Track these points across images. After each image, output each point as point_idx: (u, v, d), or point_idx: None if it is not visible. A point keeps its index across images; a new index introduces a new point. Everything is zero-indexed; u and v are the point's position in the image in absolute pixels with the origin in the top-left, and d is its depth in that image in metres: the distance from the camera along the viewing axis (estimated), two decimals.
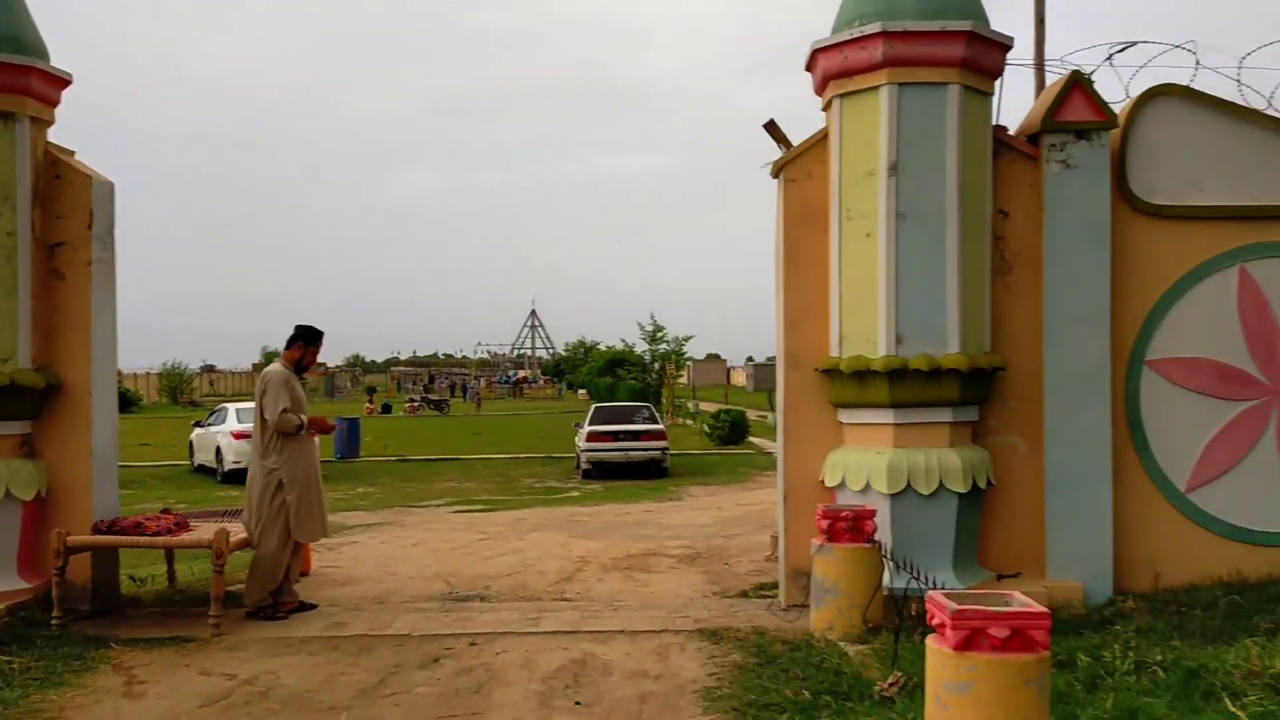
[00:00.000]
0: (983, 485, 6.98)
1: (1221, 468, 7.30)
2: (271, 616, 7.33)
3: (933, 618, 4.02)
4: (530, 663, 6.15)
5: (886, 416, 6.95)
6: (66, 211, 7.62)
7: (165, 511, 8.18)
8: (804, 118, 7.67)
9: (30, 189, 7.41)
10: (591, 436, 19.76)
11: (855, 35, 6.89)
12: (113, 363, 7.83)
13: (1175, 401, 7.31)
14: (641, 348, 43.28)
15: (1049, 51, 12.81)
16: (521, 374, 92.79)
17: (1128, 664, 5.29)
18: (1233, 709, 4.59)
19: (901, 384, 6.83)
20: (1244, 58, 7.89)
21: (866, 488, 6.92)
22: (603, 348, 67.14)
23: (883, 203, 6.90)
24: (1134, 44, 8.22)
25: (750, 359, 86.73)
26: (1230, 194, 7.35)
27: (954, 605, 3.87)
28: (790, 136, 7.64)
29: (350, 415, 27.80)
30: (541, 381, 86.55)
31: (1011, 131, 7.49)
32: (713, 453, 25.10)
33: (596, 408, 22.30)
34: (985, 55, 7.00)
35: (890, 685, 5.13)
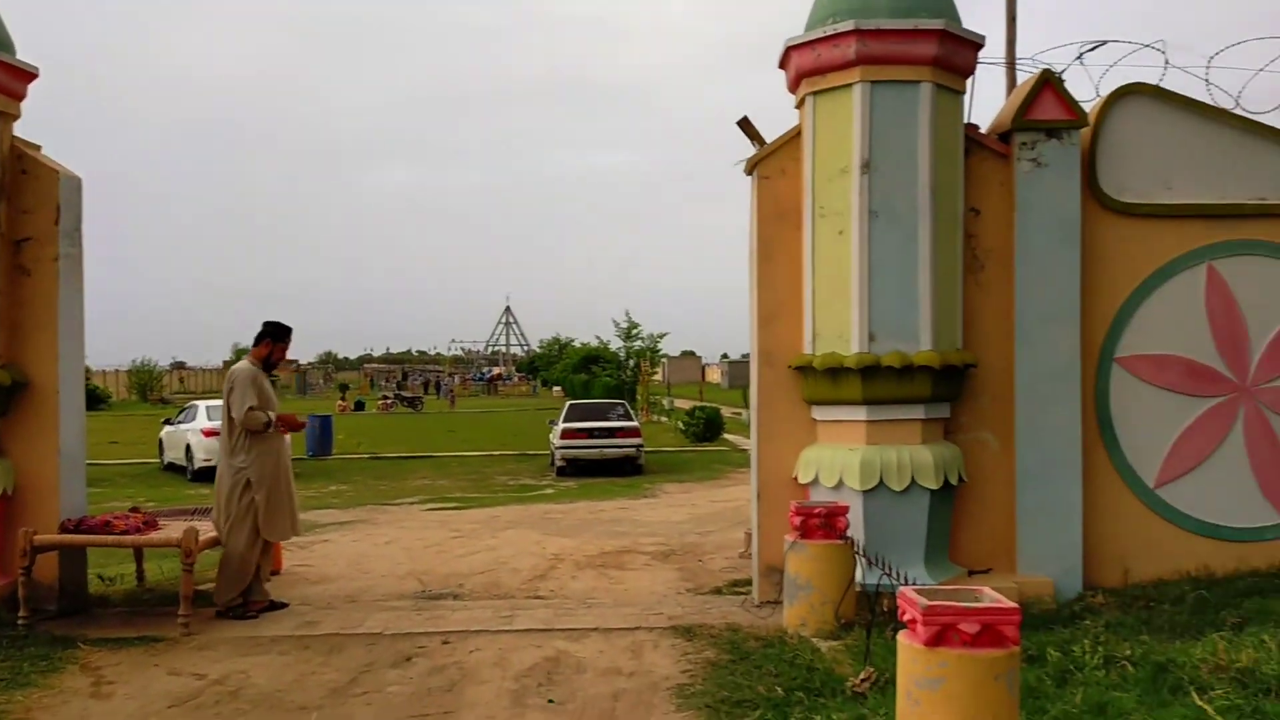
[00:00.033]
0: (954, 482, 7.02)
1: (1189, 464, 7.37)
2: (242, 615, 7.27)
3: (904, 614, 4.04)
4: (503, 661, 6.13)
5: (859, 413, 6.98)
6: (33, 206, 7.52)
7: (134, 510, 8.10)
8: (779, 115, 7.68)
9: None
10: (566, 433, 19.72)
11: (828, 33, 6.90)
12: (80, 360, 7.74)
13: (1144, 398, 7.38)
14: (616, 344, 43.39)
15: (1020, 50, 12.91)
16: (496, 371, 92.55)
17: (1097, 658, 5.33)
18: (1200, 703, 4.63)
19: (874, 381, 6.86)
20: (1212, 57, 7.99)
21: (839, 484, 6.94)
22: (578, 344, 67.02)
23: (855, 200, 6.92)
24: (1104, 43, 8.29)
25: (725, 356, 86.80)
26: (1199, 192, 7.42)
27: (925, 601, 3.89)
28: (765, 134, 7.66)
29: (323, 412, 27.66)
30: (516, 378, 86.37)
31: (983, 130, 7.53)
32: (687, 449, 25.13)
33: (571, 404, 22.28)
34: (957, 54, 7.03)
35: (862, 681, 5.15)
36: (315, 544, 10.71)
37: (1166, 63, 7.86)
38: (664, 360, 56.14)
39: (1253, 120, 7.50)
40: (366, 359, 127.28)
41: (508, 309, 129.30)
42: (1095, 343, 7.34)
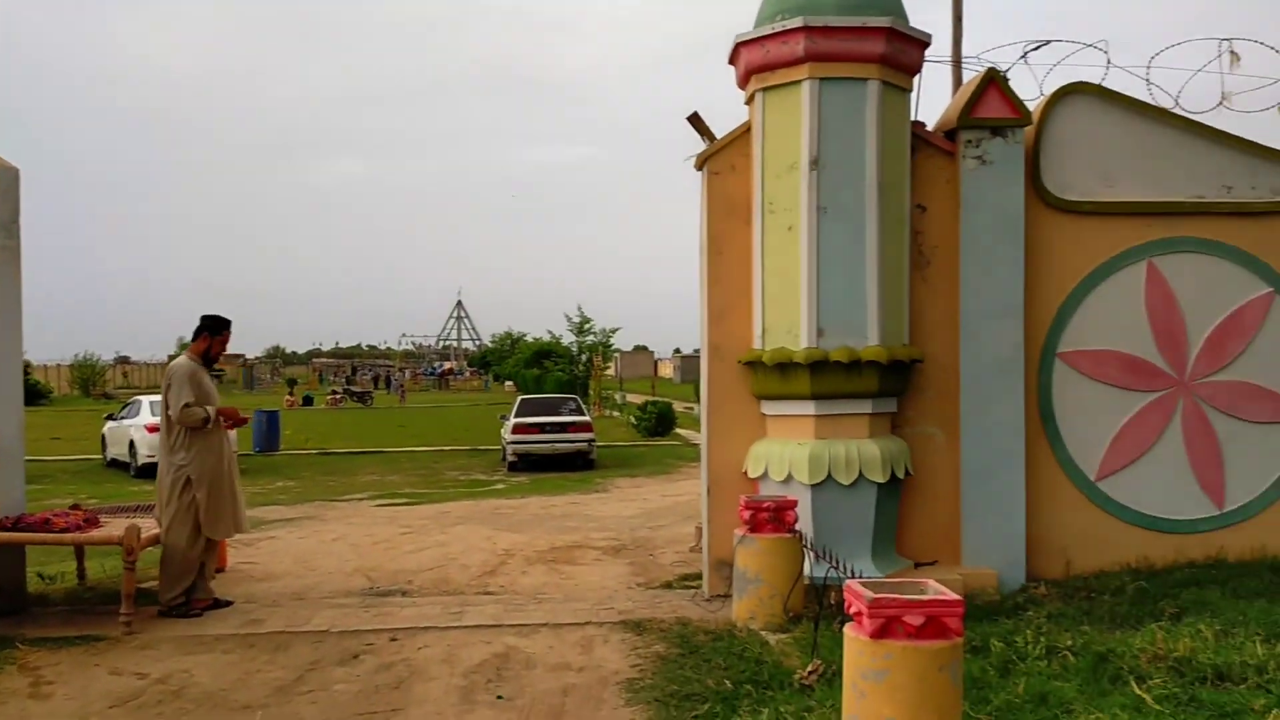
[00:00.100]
0: (901, 475, 7.10)
1: (1129, 457, 7.52)
2: (185, 614, 7.16)
3: (850, 606, 4.08)
4: (452, 657, 6.10)
5: (808, 408, 7.03)
6: None
7: (74, 507, 7.95)
8: (730, 110, 7.71)
9: None
10: (517, 429, 19.64)
11: (777, 29, 6.94)
12: (18, 353, 7.55)
13: (1086, 393, 7.52)
14: (569, 339, 43.33)
15: (966, 49, 13.06)
16: (447, 366, 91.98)
17: (1039, 649, 5.43)
18: (1138, 692, 4.73)
19: (822, 376, 6.91)
20: (1153, 58, 8.15)
21: (788, 478, 6.99)
22: (530, 339, 66.77)
23: (804, 196, 6.97)
24: (1048, 43, 8.43)
25: (678, 351, 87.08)
26: (1139, 191, 7.57)
27: (870, 594, 3.93)
28: (715, 129, 7.67)
29: (270, 408, 27.29)
30: (468, 373, 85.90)
31: (930, 127, 7.62)
32: (639, 444, 25.15)
33: (523, 399, 22.20)
34: (904, 52, 7.10)
35: (810, 673, 5.20)
36: (261, 541, 10.57)
37: (1109, 62, 8.03)
38: (616, 355, 56.18)
39: (1192, 120, 7.67)
40: (315, 353, 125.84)
41: (459, 303, 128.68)
42: (1038, 338, 7.46)
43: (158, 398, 18.85)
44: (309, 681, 5.70)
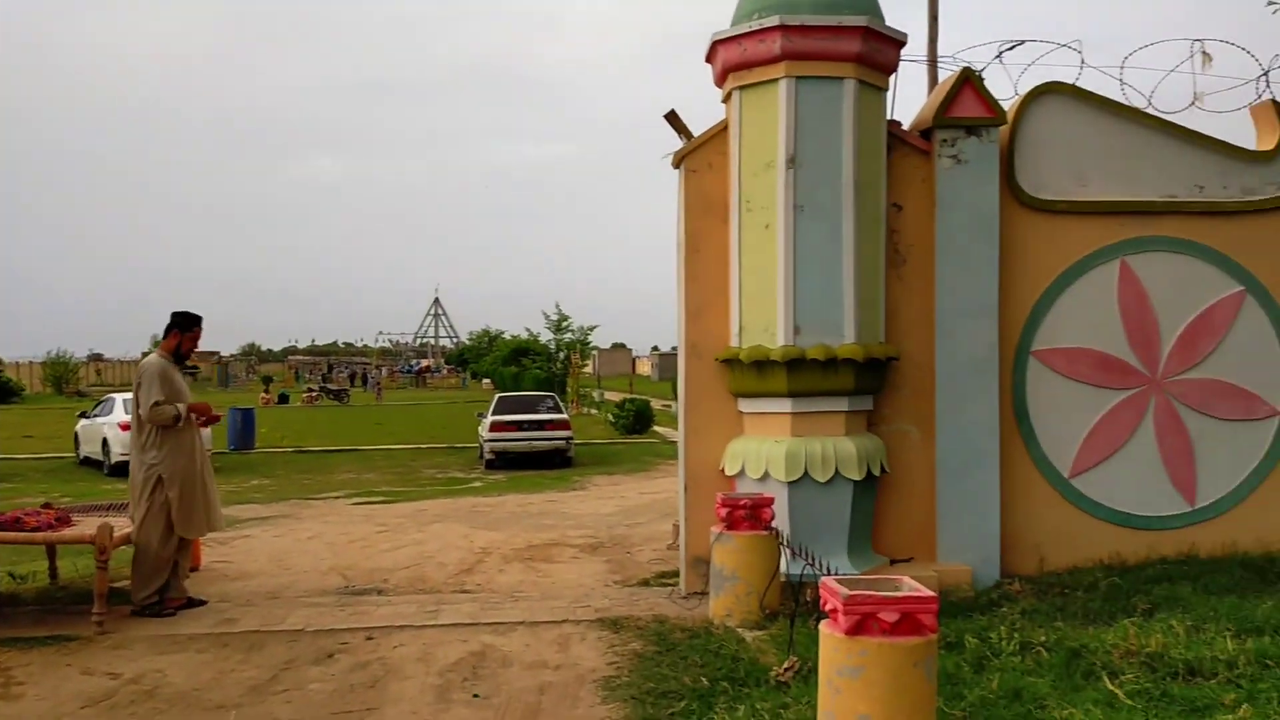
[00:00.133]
0: (877, 472, 7.13)
1: (1102, 454, 7.58)
2: (158, 613, 7.11)
3: (826, 603, 4.09)
4: (428, 656, 6.08)
5: (785, 405, 7.05)
6: None
7: (46, 506, 7.86)
8: (708, 109, 7.72)
9: None
10: (495, 426, 19.60)
11: (754, 28, 6.95)
12: None
13: (1059, 390, 7.57)
14: (546, 337, 43.21)
15: (942, 48, 13.12)
16: (425, 363, 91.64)
17: (1013, 645, 5.47)
18: (1111, 687, 4.77)
19: (799, 374, 6.93)
20: (1126, 58, 8.18)
21: (765, 476, 7.01)
22: (507, 337, 66.67)
23: (781, 195, 6.98)
24: (1022, 42, 8.46)
25: (655, 348, 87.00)
26: (1112, 190, 7.63)
27: (846, 591, 3.95)
28: (692, 127, 7.68)
29: (245, 405, 27.12)
30: (445, 371, 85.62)
31: (905, 126, 7.65)
32: (617, 442, 25.15)
33: (500, 397, 22.14)
34: (880, 51, 7.13)
35: (786, 670, 5.21)
36: (236, 540, 10.50)
37: (1083, 62, 8.05)
38: (594, 353, 56.20)
39: (1164, 120, 7.72)
40: (291, 351, 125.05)
41: (436, 300, 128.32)
42: (1013, 336, 7.51)
43: (131, 395, 18.83)
44: (283, 681, 5.67)
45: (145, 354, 7.62)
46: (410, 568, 8.92)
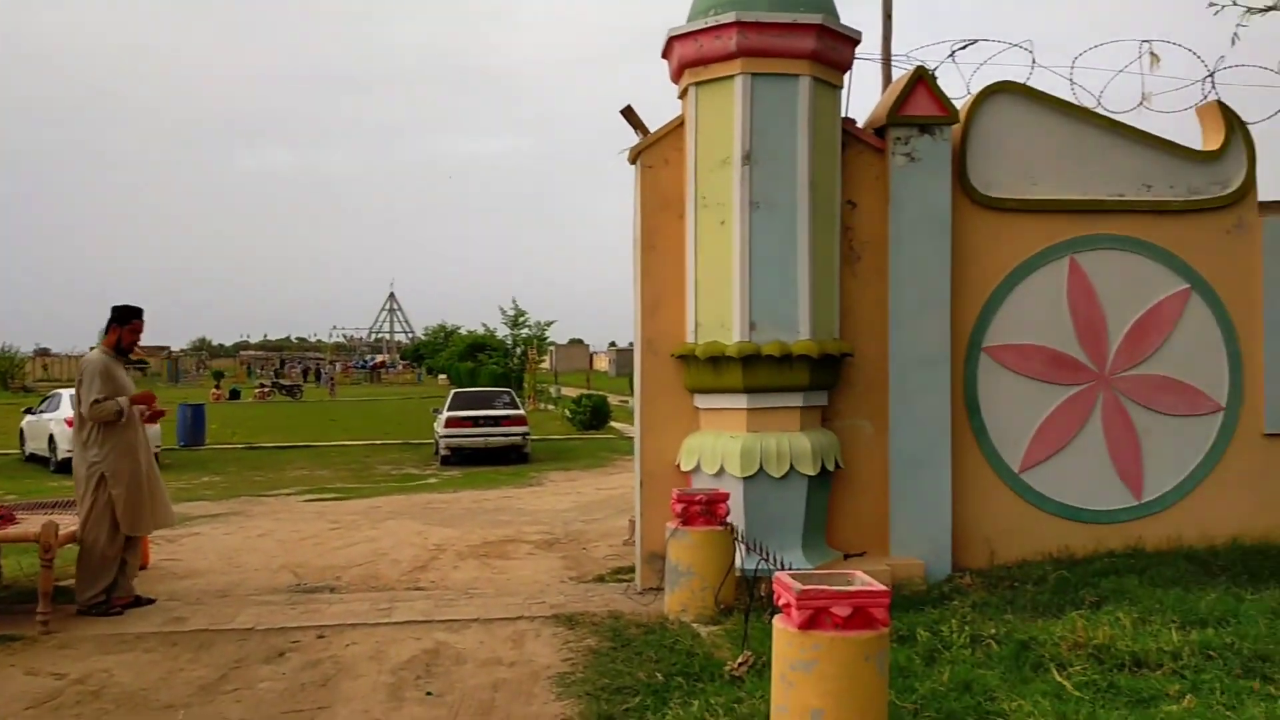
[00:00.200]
0: (831, 468, 7.18)
1: (1052, 449, 7.69)
2: (105, 612, 6.98)
3: (779, 598, 4.12)
4: (380, 654, 6.03)
5: (740, 401, 7.07)
6: None
7: None
8: (665, 104, 7.71)
9: None
10: (450, 422, 19.49)
11: (710, 24, 6.95)
12: None
13: (1010, 386, 7.66)
14: (503, 332, 43.11)
15: (896, 47, 13.21)
16: (379, 358, 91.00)
17: (964, 637, 5.53)
18: (1059, 679, 4.85)
19: (754, 369, 6.95)
20: (1076, 58, 8.29)
21: (721, 471, 7.03)
22: (464, 332, 66.33)
23: (737, 191, 7.00)
24: (975, 41, 8.52)
25: (613, 344, 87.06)
26: (1062, 188, 7.73)
27: (799, 586, 3.97)
28: (649, 123, 7.67)
29: (195, 401, 26.76)
30: (400, 366, 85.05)
31: (860, 124, 7.70)
32: (574, 438, 25.12)
33: (456, 393, 22.02)
34: (835, 49, 7.16)
35: (740, 665, 5.23)
36: (185, 537, 10.35)
37: (1034, 62, 8.14)
38: (551, 348, 56.03)
39: (1113, 120, 7.83)
40: (243, 346, 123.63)
41: (391, 295, 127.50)
42: (964, 333, 7.59)
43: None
44: (233, 680, 5.60)
45: (94, 348, 7.48)
46: (363, 565, 8.84)
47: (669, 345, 7.42)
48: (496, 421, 19.66)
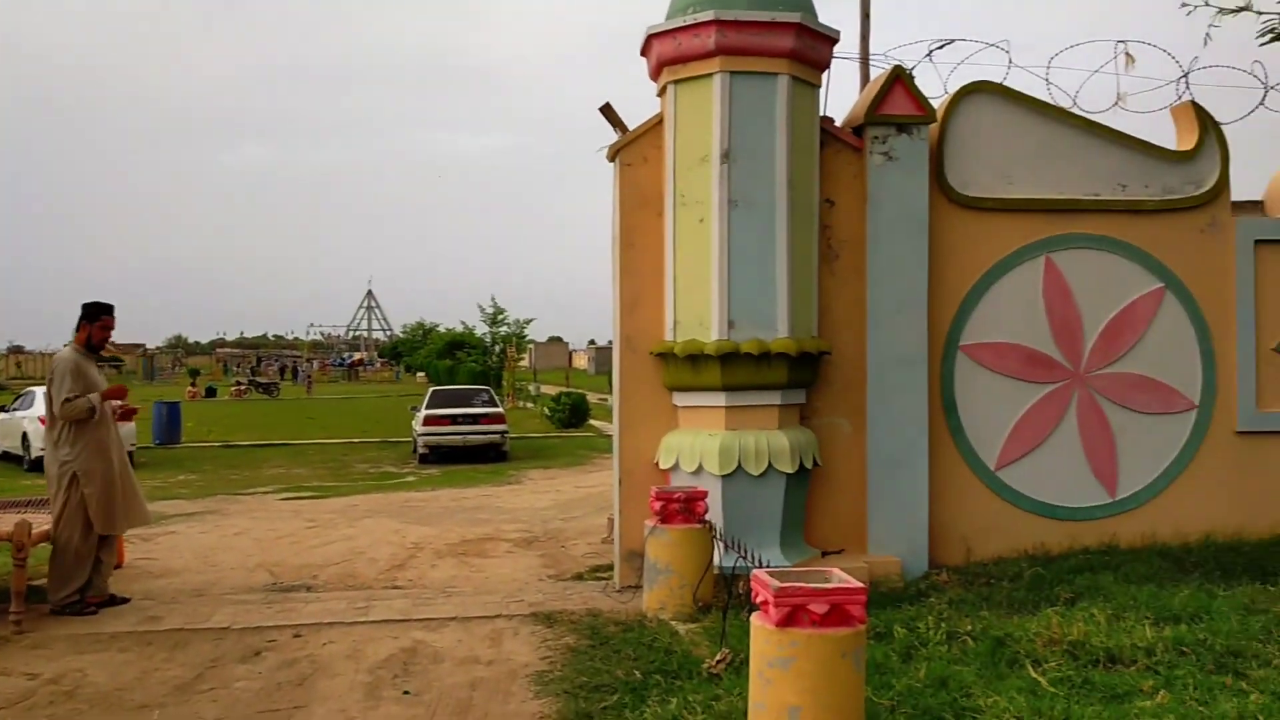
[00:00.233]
0: (809, 465, 7.20)
1: (1027, 447, 7.74)
2: (79, 612, 6.92)
3: (757, 596, 4.12)
4: (357, 653, 6.00)
5: (719, 399, 7.08)
6: None
7: None
8: (645, 101, 7.71)
9: None
10: (429, 420, 19.44)
11: (689, 22, 6.96)
12: None
13: (986, 384, 7.71)
14: (482, 330, 42.92)
15: (873, 46, 13.28)
16: (357, 356, 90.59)
17: (940, 634, 5.56)
18: (1034, 675, 4.88)
19: (733, 367, 6.96)
20: (1052, 58, 8.37)
21: (699, 469, 7.03)
22: (442, 330, 66.05)
23: (715, 189, 7.01)
24: (952, 41, 8.61)
25: (592, 342, 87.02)
26: (1038, 188, 7.78)
27: (776, 583, 3.98)
28: (628, 121, 7.67)
29: (171, 399, 26.57)
30: (378, 364, 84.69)
31: (838, 123, 7.72)
32: (553, 436, 25.10)
33: (434, 391, 21.97)
34: (813, 47, 7.18)
35: (718, 662, 5.24)
36: (161, 536, 10.27)
37: (1010, 62, 8.21)
38: (530, 346, 55.89)
39: (1089, 119, 7.89)
40: (219, 343, 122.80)
41: (370, 293, 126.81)
42: (941, 331, 7.63)
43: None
44: (209, 679, 5.56)
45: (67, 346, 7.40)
46: (340, 564, 8.80)
47: (648, 343, 7.42)
48: (475, 419, 19.63)
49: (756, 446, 6.96)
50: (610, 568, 7.88)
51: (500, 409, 20.79)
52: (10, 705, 5.18)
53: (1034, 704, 4.43)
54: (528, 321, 41.96)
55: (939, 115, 7.59)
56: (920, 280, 7.44)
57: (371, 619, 6.75)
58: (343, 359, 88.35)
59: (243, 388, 49.99)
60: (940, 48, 8.57)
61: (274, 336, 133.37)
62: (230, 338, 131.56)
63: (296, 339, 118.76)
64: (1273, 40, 7.99)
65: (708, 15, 6.86)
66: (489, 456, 19.48)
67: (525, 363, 53.13)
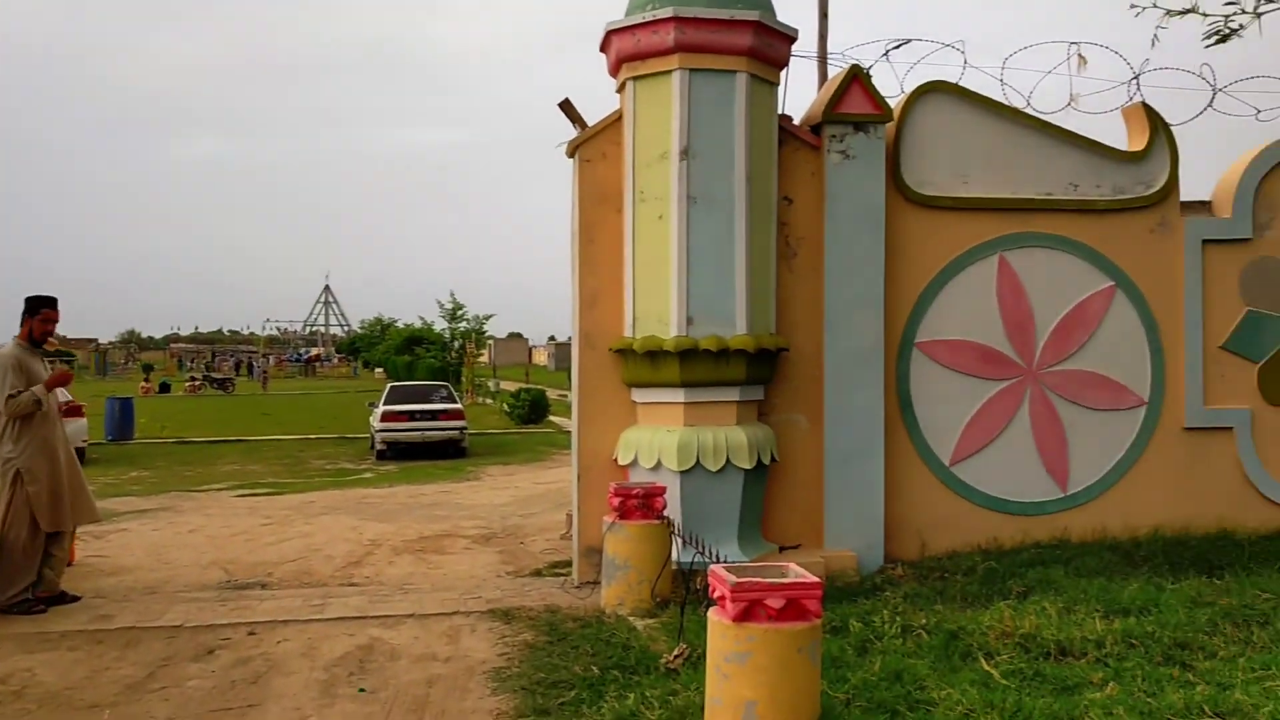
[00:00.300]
0: (767, 461, 7.24)
1: (981, 443, 7.83)
2: (28, 611, 6.80)
3: (715, 591, 4.15)
4: (313, 651, 5.95)
5: (677, 395, 7.09)
6: None
7: None
8: (605, 97, 7.71)
9: None
10: (386, 416, 19.28)
11: (648, 19, 6.96)
12: None
13: (941, 381, 7.79)
14: (441, 326, 42.70)
15: (831, 45, 13.33)
16: (314, 351, 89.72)
17: (895, 628, 5.62)
18: (987, 667, 4.94)
19: (692, 364, 6.98)
20: (1007, 59, 8.46)
21: (658, 465, 7.05)
22: (401, 325, 65.58)
23: (675, 186, 7.02)
24: (909, 41, 8.68)
25: (553, 338, 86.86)
26: (992, 187, 7.86)
27: (733, 578, 4.00)
28: (589, 117, 7.66)
29: (124, 395, 26.16)
30: (336, 360, 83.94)
31: (796, 121, 7.76)
32: (512, 432, 25.02)
33: (392, 386, 21.81)
34: (772, 45, 7.21)
35: (676, 657, 5.26)
36: (112, 534, 10.12)
37: (965, 62, 8.29)
38: (490, 342, 55.67)
39: (1042, 120, 7.99)
40: (173, 338, 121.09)
41: (327, 288, 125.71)
42: (898, 328, 7.70)
43: None
44: (161, 678, 5.50)
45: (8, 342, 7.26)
46: (296, 561, 8.72)
47: (607, 339, 7.43)
48: (434, 416, 19.51)
49: (715, 442, 6.99)
50: (569, 564, 7.88)
51: (459, 405, 20.68)
52: None
53: (986, 696, 4.49)
54: (487, 317, 41.84)
55: (896, 114, 7.65)
56: (877, 278, 7.50)
57: (327, 616, 6.70)
58: (299, 355, 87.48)
59: (197, 383, 49.43)
60: (897, 47, 8.64)
61: (230, 332, 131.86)
62: (185, 333, 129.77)
63: (253, 334, 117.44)
64: (1218, 42, 8.15)
65: (667, 12, 6.87)
66: (448, 453, 19.37)
67: (485, 359, 52.95)
